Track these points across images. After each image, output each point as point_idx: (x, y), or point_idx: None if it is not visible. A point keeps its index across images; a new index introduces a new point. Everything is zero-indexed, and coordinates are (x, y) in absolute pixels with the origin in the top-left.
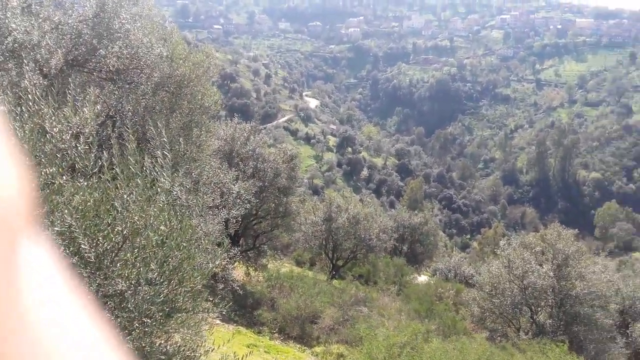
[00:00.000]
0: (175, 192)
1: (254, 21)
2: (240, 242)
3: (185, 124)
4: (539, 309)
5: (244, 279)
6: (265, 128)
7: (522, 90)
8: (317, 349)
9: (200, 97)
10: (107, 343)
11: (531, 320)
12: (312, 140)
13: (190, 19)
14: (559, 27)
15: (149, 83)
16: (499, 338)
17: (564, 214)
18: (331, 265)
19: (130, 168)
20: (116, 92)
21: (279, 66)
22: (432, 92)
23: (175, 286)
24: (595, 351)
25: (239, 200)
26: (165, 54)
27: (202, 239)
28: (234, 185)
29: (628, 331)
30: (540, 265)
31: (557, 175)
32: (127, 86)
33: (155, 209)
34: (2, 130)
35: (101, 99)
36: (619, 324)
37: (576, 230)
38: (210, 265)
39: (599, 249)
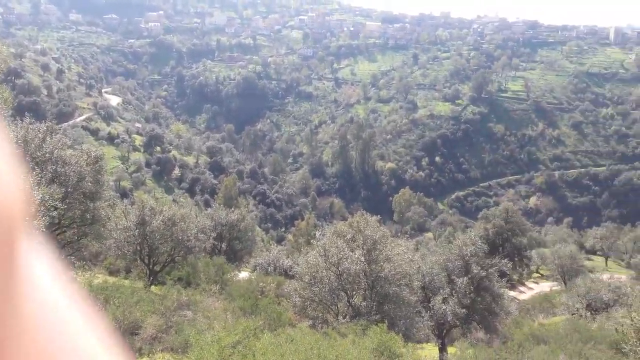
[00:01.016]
0: None
1: (40, 11)
2: None
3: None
4: (354, 292)
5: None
6: (61, 128)
7: (323, 88)
8: None
9: None
10: (104, 342)
11: (348, 304)
12: (116, 140)
13: None
14: (352, 29)
15: None
16: (320, 325)
17: (366, 202)
18: (148, 271)
19: None
20: None
21: (73, 61)
22: (240, 90)
23: None
24: (405, 326)
25: (42, 208)
26: None
27: None
28: (35, 192)
29: (430, 304)
30: (352, 251)
31: (358, 167)
32: None
33: None
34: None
35: None
36: (422, 299)
37: (378, 216)
38: None
39: (398, 232)
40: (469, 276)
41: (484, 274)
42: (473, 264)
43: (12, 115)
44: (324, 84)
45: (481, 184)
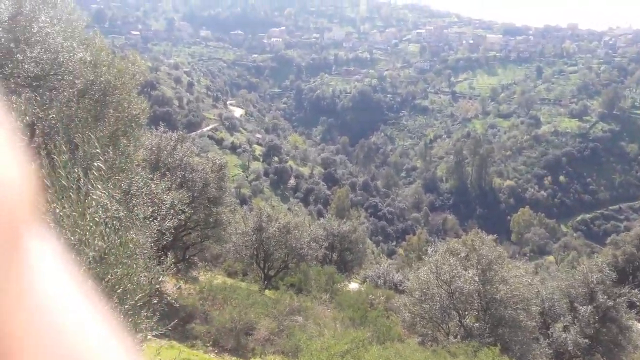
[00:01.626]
0: (114, 207)
1: (174, 28)
2: (169, 254)
3: (112, 133)
4: (466, 312)
5: (175, 292)
6: (190, 137)
7: (439, 102)
8: None
9: (126, 105)
10: (113, 335)
11: (459, 324)
12: (238, 150)
13: (106, 24)
14: (471, 42)
15: (71, 90)
16: (429, 342)
17: (482, 220)
18: (263, 275)
19: (61, 181)
20: (37, 99)
21: (202, 74)
22: (355, 103)
23: (114, 304)
24: (520, 352)
25: (172, 211)
26: (88, 59)
27: (142, 254)
28: (167, 196)
29: (549, 332)
30: (466, 270)
31: (474, 183)
32: (48, 93)
33: (90, 224)
34: (4, 124)
35: (17, 106)
36: (540, 325)
37: (495, 235)
38: (153, 282)
39: (516, 253)
40: (594, 305)
41: (610, 303)
42: (599, 292)
43: (148, 124)
44: (440, 97)
45: (610, 207)
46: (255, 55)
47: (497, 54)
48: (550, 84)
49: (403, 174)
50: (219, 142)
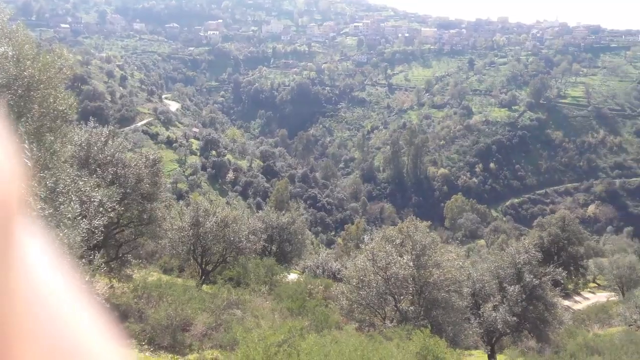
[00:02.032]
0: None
1: (106, 21)
2: (101, 252)
3: (37, 129)
4: (402, 297)
5: (107, 291)
6: (122, 132)
7: (377, 94)
8: (191, 357)
9: (52, 100)
10: (103, 331)
11: (395, 309)
12: (174, 144)
13: (33, 17)
14: (407, 35)
15: None
16: (367, 328)
17: (417, 208)
18: (201, 271)
19: None
20: None
21: (135, 68)
22: (294, 95)
23: None
24: (453, 332)
25: (101, 209)
26: (10, 53)
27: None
28: (96, 193)
29: (480, 312)
30: (401, 256)
31: (410, 172)
32: None
33: None
34: None
35: None
36: (471, 305)
37: (429, 222)
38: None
39: (449, 238)
40: (521, 284)
41: (536, 282)
42: (526, 272)
43: (78, 120)
44: (377, 89)
45: (537, 192)
46: (192, 49)
47: (432, 47)
48: (482, 75)
49: (341, 165)
50: (154, 136)
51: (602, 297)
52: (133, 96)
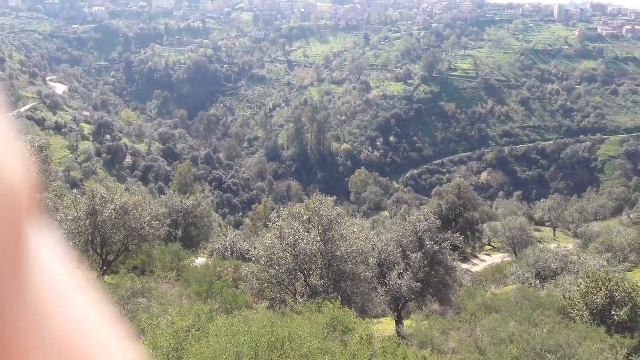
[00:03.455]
0: None
1: None
2: None
3: None
4: (311, 272)
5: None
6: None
7: (276, 71)
8: None
9: None
10: (114, 331)
11: (305, 284)
12: (63, 130)
13: None
14: (303, 10)
15: None
16: (278, 306)
17: (323, 184)
18: (101, 261)
19: None
20: None
21: (14, 49)
22: (191, 74)
23: None
24: (362, 302)
25: None
26: None
27: None
28: None
29: (386, 280)
30: (309, 232)
31: (314, 149)
32: None
33: None
34: (3, 119)
35: None
36: (378, 275)
37: (335, 197)
38: None
39: (355, 212)
40: (423, 251)
41: (437, 248)
42: (427, 239)
43: None
44: (277, 66)
45: (434, 162)
46: (76, 26)
47: (328, 23)
48: (378, 50)
49: (245, 145)
50: (41, 122)
51: (497, 258)
52: (13, 79)
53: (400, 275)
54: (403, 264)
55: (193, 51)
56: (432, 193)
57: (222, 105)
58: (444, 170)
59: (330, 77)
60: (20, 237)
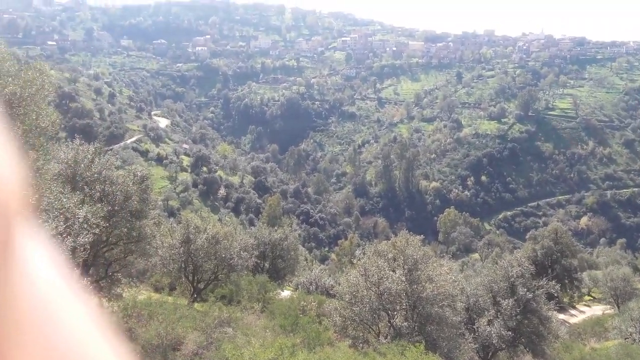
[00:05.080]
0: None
1: (93, 38)
2: (91, 271)
3: (19, 146)
4: (395, 312)
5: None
6: (112, 149)
7: (366, 108)
8: None
9: (35, 117)
10: (103, 334)
11: (389, 324)
12: (164, 161)
13: (19, 34)
14: (394, 49)
15: None
16: (361, 345)
17: (410, 222)
18: (192, 288)
19: None
20: None
21: (124, 85)
22: (284, 110)
23: None
24: (448, 348)
25: (86, 226)
26: None
27: None
28: (80, 210)
29: (474, 326)
30: (393, 271)
31: (402, 186)
32: None
33: None
34: None
35: None
36: (465, 320)
37: (422, 236)
38: None
39: (443, 252)
40: (515, 298)
41: (530, 295)
42: (519, 285)
43: (66, 137)
44: (366, 104)
45: (529, 204)
46: (180, 65)
47: (420, 61)
48: (470, 88)
49: (333, 180)
50: (144, 153)
51: (597, 310)
52: (122, 113)
53: (490, 322)
54: (493, 310)
55: (286, 88)
56: (527, 237)
57: (312, 140)
58: (540, 213)
59: (420, 114)
60: (8, 240)
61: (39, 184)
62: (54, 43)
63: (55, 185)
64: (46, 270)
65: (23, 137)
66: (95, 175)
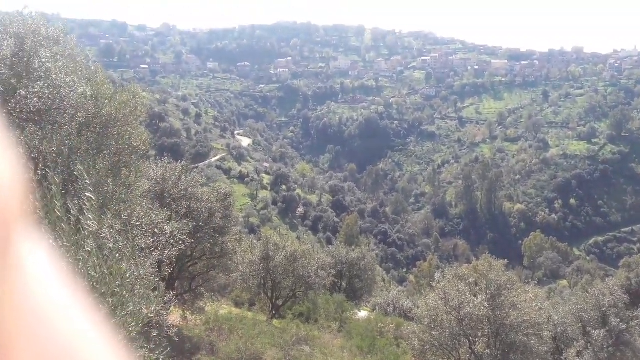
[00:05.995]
0: (104, 235)
1: (182, 61)
2: (176, 285)
3: (114, 164)
4: (477, 339)
5: (181, 323)
6: (197, 167)
7: (446, 127)
8: None
9: (128, 137)
10: (103, 338)
11: (470, 351)
12: (246, 179)
13: (115, 58)
14: (476, 67)
15: (73, 123)
16: None
17: (493, 245)
18: (271, 305)
19: (55, 212)
20: (38, 134)
21: (209, 105)
22: (362, 130)
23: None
24: None
25: (172, 241)
26: (89, 93)
27: (136, 284)
28: (167, 226)
29: (562, 357)
30: (475, 295)
31: (484, 208)
32: (50, 127)
33: (82, 254)
34: None
35: (22, 140)
36: (552, 350)
37: (506, 260)
38: (145, 311)
39: (528, 278)
40: (607, 329)
41: (623, 326)
42: (612, 315)
43: (155, 156)
44: (447, 123)
45: (623, 229)
46: (262, 86)
47: (503, 79)
48: (557, 107)
49: (412, 200)
50: (227, 171)
51: None
52: (207, 132)
53: (579, 354)
54: (582, 341)
55: (365, 108)
56: (620, 264)
57: (390, 160)
58: (635, 239)
59: (503, 134)
60: (8, 245)
61: (131, 200)
62: (146, 66)
63: (145, 201)
64: (46, 278)
65: (117, 155)
66: (182, 192)
